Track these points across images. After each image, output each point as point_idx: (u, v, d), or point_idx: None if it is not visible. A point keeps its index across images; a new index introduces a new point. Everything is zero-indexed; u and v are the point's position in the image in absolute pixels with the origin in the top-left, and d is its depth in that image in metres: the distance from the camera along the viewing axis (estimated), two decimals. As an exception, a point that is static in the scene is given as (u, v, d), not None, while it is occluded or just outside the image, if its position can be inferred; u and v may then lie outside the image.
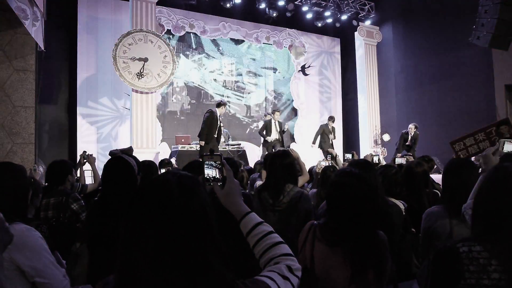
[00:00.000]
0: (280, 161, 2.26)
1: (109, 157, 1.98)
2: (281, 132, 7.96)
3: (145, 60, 7.55)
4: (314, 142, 8.69)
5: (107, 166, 1.86)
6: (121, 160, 1.85)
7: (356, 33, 10.66)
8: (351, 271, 1.33)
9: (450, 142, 4.02)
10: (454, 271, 1.03)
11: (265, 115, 8.75)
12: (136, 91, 7.60)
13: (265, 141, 7.95)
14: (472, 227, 1.14)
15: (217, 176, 1.02)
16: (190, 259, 0.70)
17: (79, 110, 8.02)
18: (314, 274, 1.41)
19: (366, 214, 1.38)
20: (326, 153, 8.33)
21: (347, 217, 1.38)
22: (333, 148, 8.56)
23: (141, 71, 7.47)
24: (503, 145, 1.70)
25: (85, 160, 3.44)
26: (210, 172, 1.02)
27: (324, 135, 8.56)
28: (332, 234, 1.41)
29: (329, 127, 8.60)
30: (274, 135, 7.89)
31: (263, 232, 0.94)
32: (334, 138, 8.72)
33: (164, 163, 4.16)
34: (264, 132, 7.91)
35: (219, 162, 1.02)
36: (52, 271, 1.32)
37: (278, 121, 8.04)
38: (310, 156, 8.95)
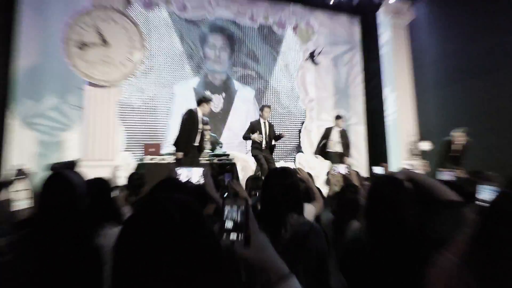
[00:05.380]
0: (279, 182, 2.13)
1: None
2: (271, 136, 7.49)
3: (105, 43, 7.50)
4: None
5: (42, 186, 1.88)
6: (60, 177, 1.88)
7: (380, 10, 10.73)
8: None
9: None
10: None
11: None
12: (93, 85, 7.52)
13: (252, 146, 7.39)
14: None
15: (238, 226, 1.00)
16: None
17: (16, 109, 7.91)
18: None
19: None
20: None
21: None
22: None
23: (86, 44, 7.42)
24: None
25: (22, 177, 3.41)
26: (231, 222, 1.01)
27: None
28: None
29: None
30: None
31: None
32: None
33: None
34: (251, 135, 7.36)
35: (244, 208, 1.01)
36: None
37: (267, 121, 7.55)
38: (322, 170, 8.89)
